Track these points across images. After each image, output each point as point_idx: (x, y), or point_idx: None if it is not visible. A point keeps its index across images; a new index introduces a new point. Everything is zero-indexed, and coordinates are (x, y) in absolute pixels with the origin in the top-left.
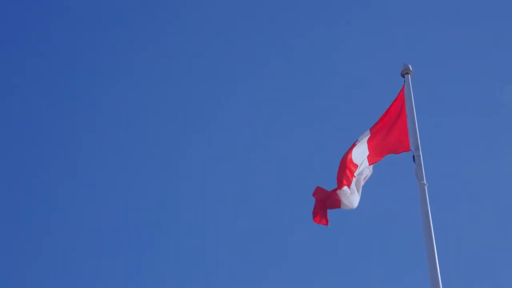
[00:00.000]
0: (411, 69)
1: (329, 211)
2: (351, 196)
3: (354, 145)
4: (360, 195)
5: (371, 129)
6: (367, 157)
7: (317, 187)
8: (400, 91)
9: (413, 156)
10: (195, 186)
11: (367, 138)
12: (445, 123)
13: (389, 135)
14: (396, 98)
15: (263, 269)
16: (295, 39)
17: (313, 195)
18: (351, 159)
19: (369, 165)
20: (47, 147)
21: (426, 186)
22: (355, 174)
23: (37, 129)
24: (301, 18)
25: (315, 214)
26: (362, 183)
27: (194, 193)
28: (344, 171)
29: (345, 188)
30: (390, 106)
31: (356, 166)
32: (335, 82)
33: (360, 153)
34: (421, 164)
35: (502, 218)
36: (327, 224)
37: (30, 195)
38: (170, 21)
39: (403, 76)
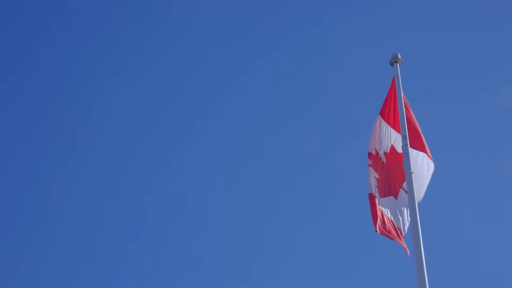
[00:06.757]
0: (399, 57)
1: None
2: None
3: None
4: None
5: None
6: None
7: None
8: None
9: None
10: (191, 185)
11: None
12: (436, 116)
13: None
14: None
15: (261, 268)
16: (286, 37)
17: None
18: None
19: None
20: (42, 145)
21: (412, 174)
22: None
23: (32, 127)
24: (291, 16)
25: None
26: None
27: (191, 192)
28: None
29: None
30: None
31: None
32: (328, 78)
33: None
34: (408, 153)
35: (489, 208)
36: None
37: (25, 194)
38: (164, 22)
39: (392, 65)
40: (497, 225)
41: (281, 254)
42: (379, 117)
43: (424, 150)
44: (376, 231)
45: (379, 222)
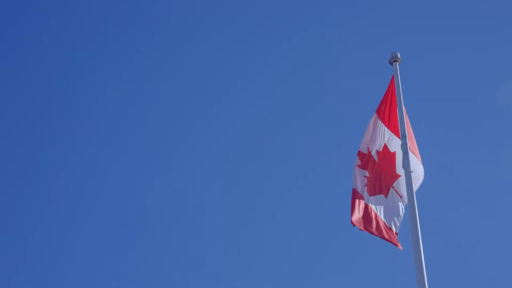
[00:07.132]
0: (399, 56)
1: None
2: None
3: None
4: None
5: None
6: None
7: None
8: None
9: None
10: (191, 185)
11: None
12: (436, 116)
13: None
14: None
15: (261, 268)
16: (286, 37)
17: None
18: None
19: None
20: (42, 145)
21: (412, 174)
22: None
23: (32, 127)
24: (291, 16)
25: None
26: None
27: (191, 192)
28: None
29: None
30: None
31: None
32: (328, 78)
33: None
34: (407, 152)
35: (489, 208)
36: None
37: (25, 194)
38: (164, 22)
39: (391, 64)
40: (497, 225)
41: (281, 254)
42: (375, 115)
43: (415, 153)
44: (351, 223)
45: (359, 216)
